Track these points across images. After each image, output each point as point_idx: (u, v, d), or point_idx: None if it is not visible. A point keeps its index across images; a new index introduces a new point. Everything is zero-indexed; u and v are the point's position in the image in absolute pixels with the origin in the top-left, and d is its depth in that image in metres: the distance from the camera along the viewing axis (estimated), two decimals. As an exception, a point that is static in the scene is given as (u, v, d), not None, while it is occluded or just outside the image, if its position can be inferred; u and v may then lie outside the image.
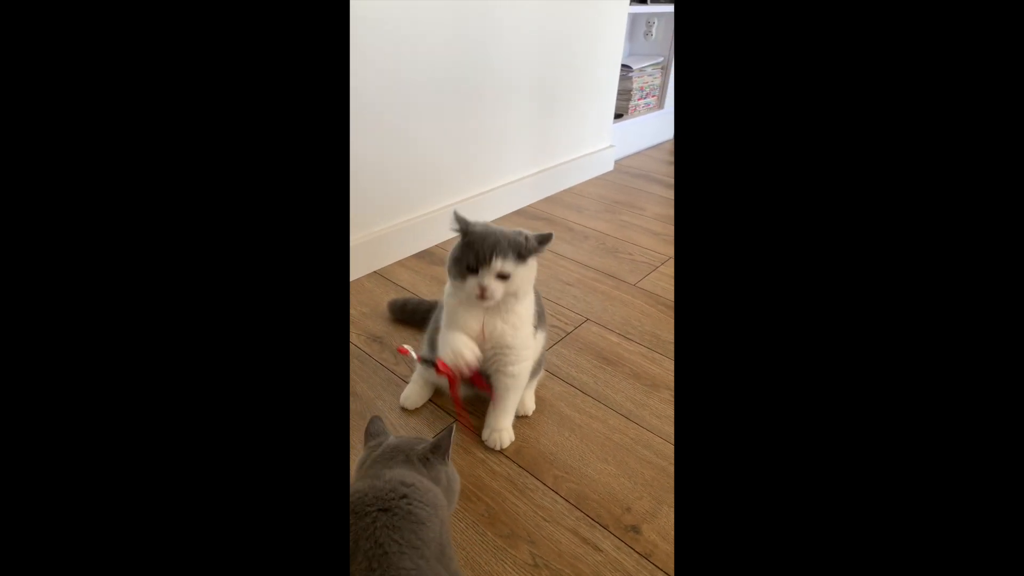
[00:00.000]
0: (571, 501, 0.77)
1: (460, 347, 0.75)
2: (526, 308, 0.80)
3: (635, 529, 0.73)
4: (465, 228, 0.74)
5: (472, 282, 0.73)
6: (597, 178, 1.96)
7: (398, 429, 0.87)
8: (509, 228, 0.76)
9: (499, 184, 1.59)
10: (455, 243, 0.77)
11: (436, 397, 0.94)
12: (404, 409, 0.91)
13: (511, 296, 0.75)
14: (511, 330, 0.78)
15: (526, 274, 0.75)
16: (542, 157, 1.71)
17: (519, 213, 1.66)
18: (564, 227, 1.58)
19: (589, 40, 1.66)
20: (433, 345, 0.86)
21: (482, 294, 0.72)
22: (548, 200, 1.76)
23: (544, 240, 0.75)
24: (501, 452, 0.84)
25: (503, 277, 0.72)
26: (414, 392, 0.92)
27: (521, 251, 0.73)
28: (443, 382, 0.87)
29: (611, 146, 2.00)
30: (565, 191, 1.83)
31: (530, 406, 0.91)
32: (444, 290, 0.83)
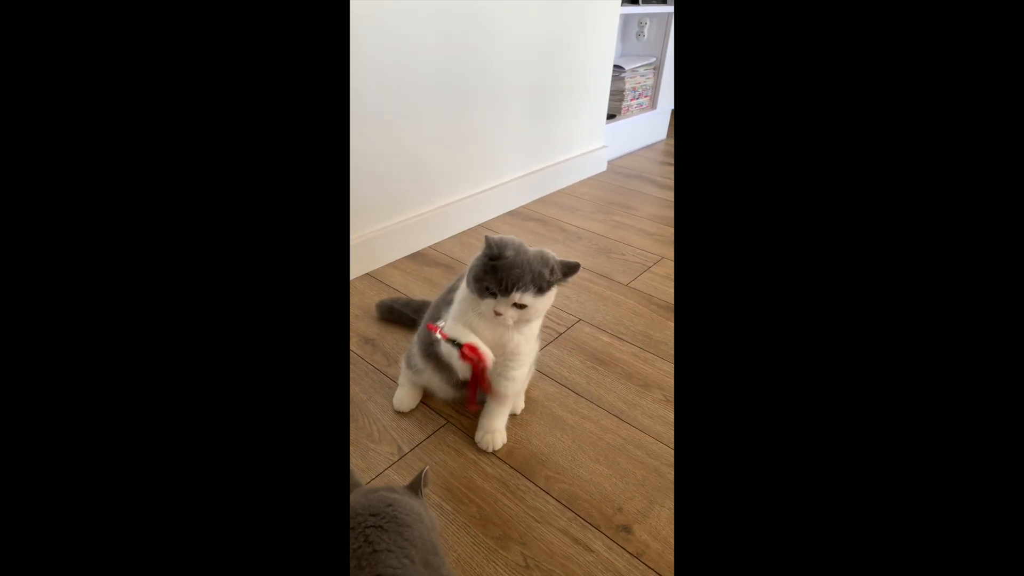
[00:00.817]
0: (563, 502, 0.77)
1: (480, 344, 0.76)
2: (538, 323, 0.82)
3: (627, 529, 0.73)
4: (497, 255, 0.72)
5: (488, 303, 0.74)
6: (590, 178, 1.96)
7: (390, 431, 0.87)
8: (537, 253, 0.74)
9: (492, 185, 1.59)
10: (477, 256, 0.76)
11: (427, 399, 0.93)
12: (398, 412, 0.91)
13: (522, 322, 0.77)
14: (524, 341, 0.80)
15: (544, 304, 0.75)
16: (535, 158, 1.71)
17: (512, 214, 1.66)
18: (557, 227, 1.58)
19: (582, 41, 1.66)
20: (425, 349, 0.86)
21: (495, 316, 0.73)
22: (541, 201, 1.76)
23: (569, 272, 0.75)
24: (493, 454, 0.84)
25: (519, 306, 0.73)
26: (406, 395, 0.92)
27: (542, 285, 0.73)
28: (433, 385, 0.88)
29: (604, 147, 2.00)
30: (558, 191, 1.84)
31: (520, 404, 0.91)
32: (459, 288, 0.83)
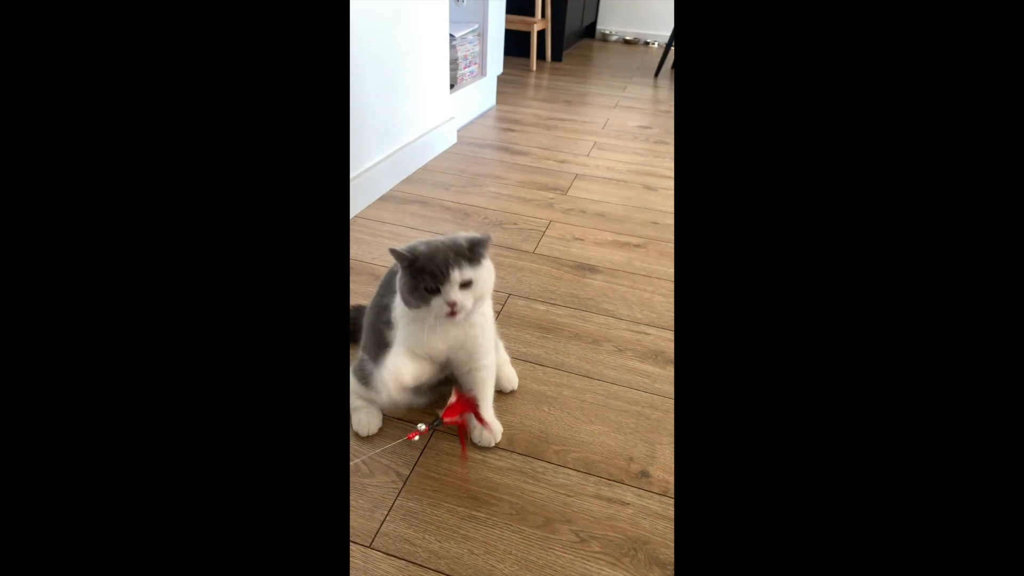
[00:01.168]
0: (581, 470, 0.79)
1: (399, 366, 0.71)
2: (488, 307, 0.79)
3: (645, 474, 0.79)
4: (412, 258, 0.69)
5: (438, 302, 0.69)
6: (446, 152, 1.92)
7: (378, 459, 0.79)
8: (443, 239, 0.73)
9: (360, 171, 1.46)
10: (397, 277, 0.72)
11: (394, 411, 0.86)
12: (365, 437, 0.81)
13: (477, 300, 0.73)
14: (480, 332, 0.77)
15: (486, 276, 0.73)
16: (391, 138, 1.60)
17: (387, 199, 1.55)
18: (441, 207, 1.53)
19: (417, 9, 1.58)
20: (372, 366, 0.80)
21: (452, 310, 0.69)
22: (409, 181, 1.67)
23: (478, 245, 0.72)
24: (496, 447, 0.82)
25: (466, 285, 0.70)
26: (368, 417, 0.83)
27: (470, 257, 0.71)
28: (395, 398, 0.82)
29: (452, 118, 1.97)
30: (421, 170, 1.76)
31: (512, 381, 0.92)
32: (397, 317, 0.77)
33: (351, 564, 0.65)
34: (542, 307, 1.14)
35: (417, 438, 0.70)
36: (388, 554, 0.67)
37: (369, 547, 0.67)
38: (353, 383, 0.84)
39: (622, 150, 2.03)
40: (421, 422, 0.73)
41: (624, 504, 0.75)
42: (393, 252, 0.69)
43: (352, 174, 1.42)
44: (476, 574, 0.65)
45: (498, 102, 2.55)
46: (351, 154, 1.40)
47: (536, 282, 1.22)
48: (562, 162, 1.89)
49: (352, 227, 1.39)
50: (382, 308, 0.80)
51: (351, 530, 0.69)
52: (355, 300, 1.07)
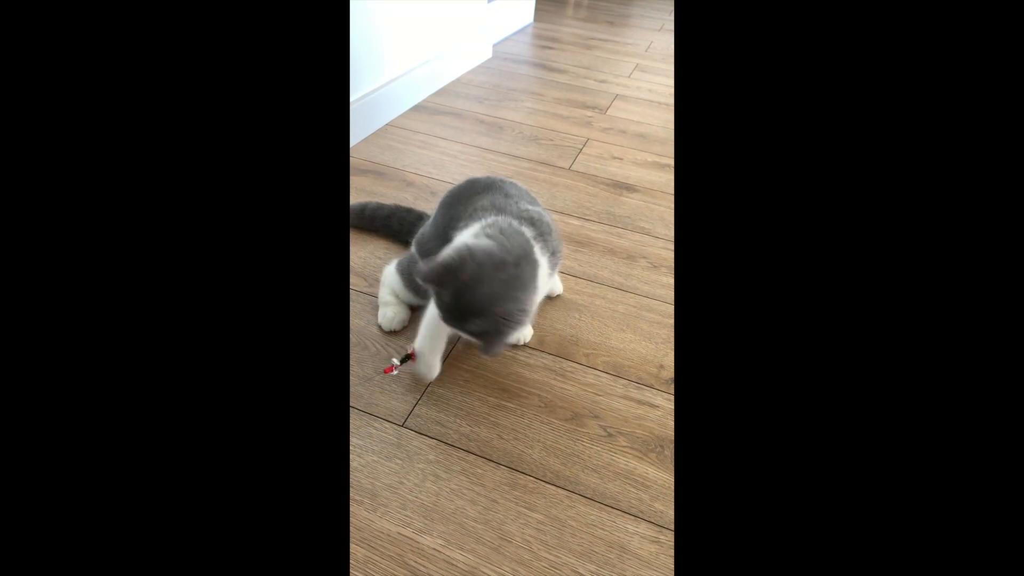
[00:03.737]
0: (610, 372, 0.79)
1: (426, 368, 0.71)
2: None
3: (675, 381, 0.79)
4: (437, 284, 0.58)
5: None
6: (480, 66, 1.84)
7: (387, 348, 0.79)
8: (503, 277, 0.59)
9: (389, 79, 1.40)
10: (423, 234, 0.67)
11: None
12: (388, 332, 0.82)
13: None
14: None
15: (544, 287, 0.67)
16: (423, 46, 1.53)
17: (419, 109, 1.50)
18: (474, 119, 1.48)
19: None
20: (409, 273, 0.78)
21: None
22: (442, 93, 1.61)
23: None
24: (526, 346, 0.82)
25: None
26: (397, 314, 0.83)
27: (516, 316, 0.59)
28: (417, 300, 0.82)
29: (488, 30, 1.87)
30: (454, 82, 1.70)
31: (559, 286, 0.92)
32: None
33: (384, 439, 0.67)
34: (576, 222, 1.11)
35: (395, 372, 0.73)
36: (420, 433, 0.69)
37: (402, 426, 0.69)
38: (393, 278, 0.83)
39: (666, 74, 1.92)
40: (394, 357, 0.74)
41: (653, 406, 0.75)
42: (422, 271, 0.56)
43: (382, 81, 1.37)
44: (505, 456, 0.67)
45: (536, 20, 2.41)
46: (382, 60, 1.35)
47: (570, 198, 1.19)
48: (602, 82, 1.80)
49: (384, 135, 1.36)
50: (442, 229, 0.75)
51: (385, 411, 0.71)
52: (367, 198, 1.05)
